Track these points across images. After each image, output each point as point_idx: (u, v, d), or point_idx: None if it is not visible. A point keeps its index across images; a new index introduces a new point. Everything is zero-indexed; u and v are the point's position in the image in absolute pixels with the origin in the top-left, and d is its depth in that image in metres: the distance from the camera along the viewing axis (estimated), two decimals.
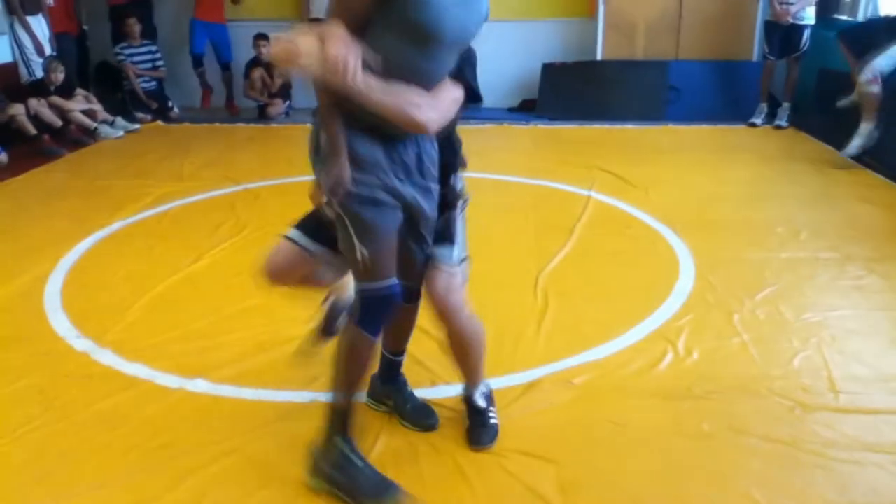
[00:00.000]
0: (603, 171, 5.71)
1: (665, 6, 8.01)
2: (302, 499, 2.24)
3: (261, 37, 7.88)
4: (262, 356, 3.06)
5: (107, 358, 3.08)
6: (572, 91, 8.00)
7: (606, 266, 4.02)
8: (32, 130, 6.51)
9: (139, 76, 7.96)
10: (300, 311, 2.85)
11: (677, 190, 5.33)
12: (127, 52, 7.95)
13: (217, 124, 7.72)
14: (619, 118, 7.57)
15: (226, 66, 8.34)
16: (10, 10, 6.99)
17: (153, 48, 8.12)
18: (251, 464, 2.39)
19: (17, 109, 6.50)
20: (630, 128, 7.36)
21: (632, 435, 2.56)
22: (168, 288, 3.77)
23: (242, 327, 3.31)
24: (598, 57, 8.17)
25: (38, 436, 2.57)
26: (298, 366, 2.84)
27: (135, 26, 7.91)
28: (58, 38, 7.38)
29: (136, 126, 7.45)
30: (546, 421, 2.63)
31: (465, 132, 2.33)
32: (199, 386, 2.85)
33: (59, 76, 6.96)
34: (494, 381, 2.74)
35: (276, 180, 5.54)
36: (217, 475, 2.34)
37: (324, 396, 2.37)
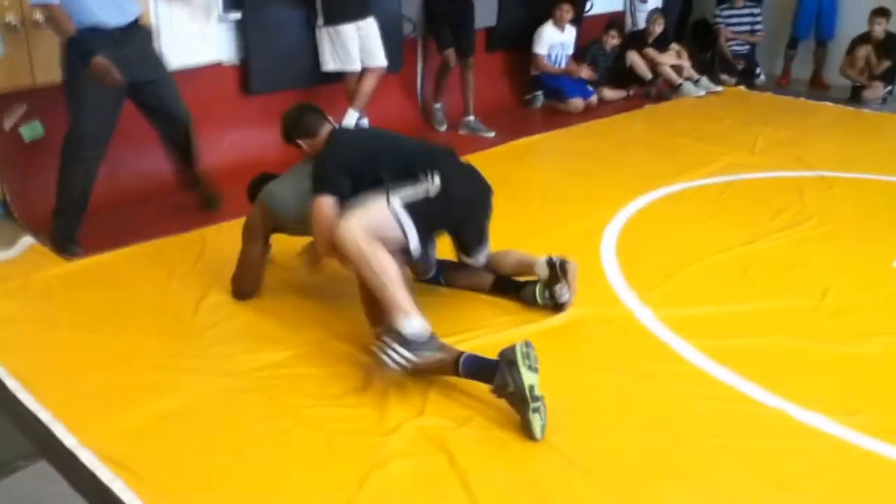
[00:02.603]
0: None
1: None
2: None
3: (880, 12, 7.05)
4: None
5: (645, 316, 3.15)
6: None
7: None
8: (649, 75, 7.05)
9: (730, 40, 7.81)
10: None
11: None
12: (726, 13, 7.85)
13: (801, 99, 7.22)
14: None
15: (821, 42, 7.75)
16: None
17: (756, 10, 7.87)
18: None
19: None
20: None
21: None
22: (716, 262, 3.67)
23: (772, 329, 3.09)
24: None
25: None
26: None
27: None
28: None
29: (719, 88, 7.33)
30: None
31: None
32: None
33: (658, 28, 7.15)
34: None
35: (857, 174, 4.97)
36: None
37: None
